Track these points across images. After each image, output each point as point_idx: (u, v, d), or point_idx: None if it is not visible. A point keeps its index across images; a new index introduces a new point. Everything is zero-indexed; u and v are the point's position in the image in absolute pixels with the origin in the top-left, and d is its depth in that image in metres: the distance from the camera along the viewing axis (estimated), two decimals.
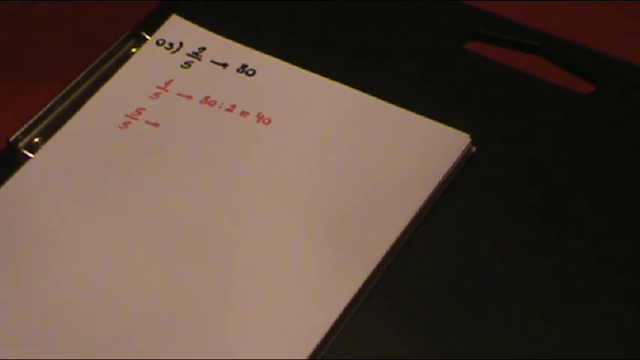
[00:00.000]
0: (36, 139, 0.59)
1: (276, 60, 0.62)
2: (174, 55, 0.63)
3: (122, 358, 0.49)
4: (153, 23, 0.65)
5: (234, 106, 0.60)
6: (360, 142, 0.58)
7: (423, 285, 0.53)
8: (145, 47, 0.64)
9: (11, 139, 0.59)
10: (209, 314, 0.51)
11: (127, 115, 0.59)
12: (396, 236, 0.53)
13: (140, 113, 0.60)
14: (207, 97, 0.60)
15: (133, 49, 0.64)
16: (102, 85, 0.62)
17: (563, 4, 0.67)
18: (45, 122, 0.60)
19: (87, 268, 0.53)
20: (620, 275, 0.53)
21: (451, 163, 0.56)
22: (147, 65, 0.63)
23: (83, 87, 0.62)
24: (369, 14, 0.66)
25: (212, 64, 0.62)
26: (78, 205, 0.56)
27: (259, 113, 0.59)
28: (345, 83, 0.60)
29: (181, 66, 0.62)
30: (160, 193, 0.56)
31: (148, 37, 0.64)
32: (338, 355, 0.50)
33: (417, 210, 0.54)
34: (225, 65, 0.62)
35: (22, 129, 0.59)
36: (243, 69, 0.62)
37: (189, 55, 0.63)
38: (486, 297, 0.52)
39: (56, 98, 0.61)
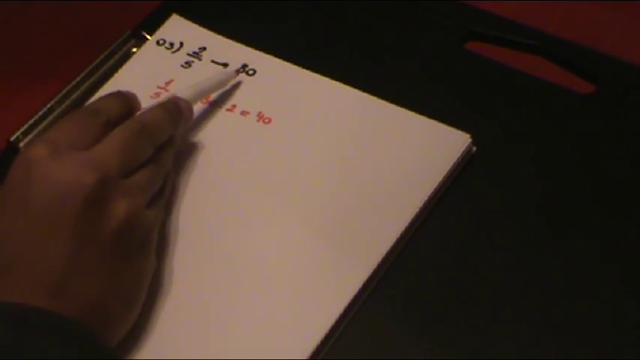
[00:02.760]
0: None
1: (276, 60, 0.62)
2: (174, 54, 0.63)
3: (122, 357, 0.49)
4: (153, 23, 0.65)
5: (234, 106, 0.60)
6: (361, 142, 0.58)
7: (423, 285, 0.53)
8: (145, 47, 0.64)
9: (12, 138, 0.59)
10: (209, 314, 0.51)
11: None
12: (396, 236, 0.53)
13: None
14: (207, 97, 0.60)
15: (134, 49, 0.64)
16: (102, 85, 0.62)
17: (563, 4, 0.67)
18: (45, 122, 0.60)
19: None
20: (621, 273, 0.53)
21: (452, 163, 0.56)
22: (147, 65, 0.63)
23: (83, 87, 0.62)
24: (370, 14, 0.66)
25: (212, 63, 0.62)
26: None
27: (260, 113, 0.59)
28: (345, 83, 0.60)
29: (182, 66, 0.62)
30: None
31: (148, 36, 0.64)
32: (338, 355, 0.50)
33: (418, 210, 0.54)
34: (225, 65, 0.62)
35: (23, 129, 0.59)
36: (243, 68, 0.62)
37: (189, 54, 0.63)
38: (487, 296, 0.52)
39: (56, 98, 0.61)
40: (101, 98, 0.54)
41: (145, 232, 0.50)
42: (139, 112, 0.54)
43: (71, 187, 0.47)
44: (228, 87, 0.60)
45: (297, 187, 0.56)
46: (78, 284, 0.46)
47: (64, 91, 0.62)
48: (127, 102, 0.54)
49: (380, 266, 0.52)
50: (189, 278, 0.52)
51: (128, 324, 0.49)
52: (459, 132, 0.57)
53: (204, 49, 0.63)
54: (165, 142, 0.53)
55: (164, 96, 0.60)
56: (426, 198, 0.54)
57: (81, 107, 0.52)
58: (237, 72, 0.61)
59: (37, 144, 0.49)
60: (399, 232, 0.53)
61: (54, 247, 0.46)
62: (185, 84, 0.61)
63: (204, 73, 0.62)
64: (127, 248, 0.48)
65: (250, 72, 0.62)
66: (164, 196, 0.53)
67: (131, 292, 0.49)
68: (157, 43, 0.64)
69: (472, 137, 0.57)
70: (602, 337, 0.50)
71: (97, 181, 0.47)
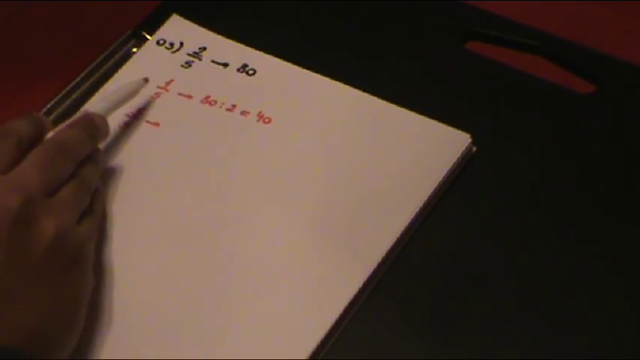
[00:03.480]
0: None
1: (276, 60, 0.62)
2: (174, 54, 0.63)
3: (122, 357, 0.49)
4: (153, 23, 0.65)
5: (234, 106, 0.60)
6: (361, 142, 0.58)
7: (423, 285, 0.53)
8: (145, 47, 0.64)
9: None
10: (209, 314, 0.51)
11: (127, 115, 0.60)
12: (396, 236, 0.53)
13: (141, 113, 0.60)
14: (207, 97, 0.60)
15: (134, 49, 0.64)
16: (102, 85, 0.62)
17: (563, 4, 0.67)
18: None
19: None
20: (620, 274, 0.53)
21: (452, 163, 0.56)
22: (147, 65, 0.63)
23: (83, 87, 0.62)
24: (370, 14, 0.66)
25: (212, 63, 0.62)
26: None
27: (260, 112, 0.59)
28: (345, 83, 0.60)
29: (182, 66, 0.62)
30: (160, 193, 0.56)
31: (148, 36, 0.64)
32: (338, 355, 0.50)
33: (418, 210, 0.54)
34: (225, 65, 0.62)
35: None
36: (243, 69, 0.62)
37: (189, 54, 0.63)
38: (487, 296, 0.52)
39: (56, 98, 0.61)
40: (9, 121, 0.52)
41: (76, 248, 0.49)
42: (52, 132, 0.53)
43: None
44: (138, 95, 0.59)
45: (297, 187, 0.56)
46: (13, 311, 0.45)
47: (64, 91, 0.62)
48: (36, 122, 0.53)
49: (380, 266, 0.52)
50: (189, 278, 0.52)
51: (70, 345, 0.48)
52: (459, 132, 0.57)
53: (204, 49, 0.63)
54: (86, 159, 0.53)
55: (164, 96, 0.60)
56: (426, 198, 0.54)
57: None
58: (146, 80, 0.60)
59: None
60: (399, 232, 0.53)
61: None
62: (185, 84, 0.61)
63: (204, 73, 0.62)
64: (59, 267, 0.47)
65: (250, 72, 0.62)
66: (96, 215, 0.52)
67: (69, 313, 0.48)
68: (157, 43, 0.64)
69: (472, 137, 0.57)
70: (602, 337, 0.50)
71: (21, 203, 0.47)
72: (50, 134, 0.53)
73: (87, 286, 0.49)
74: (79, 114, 0.55)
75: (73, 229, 0.49)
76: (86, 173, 0.52)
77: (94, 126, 0.54)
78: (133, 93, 0.59)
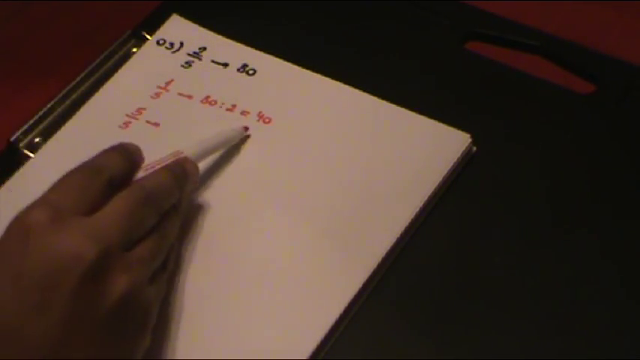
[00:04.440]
0: (36, 139, 0.59)
1: (276, 60, 0.62)
2: (174, 54, 0.63)
3: None
4: (153, 23, 0.65)
5: (234, 106, 0.60)
6: (361, 142, 0.58)
7: (423, 285, 0.53)
8: (145, 47, 0.64)
9: (12, 138, 0.59)
10: (210, 314, 0.51)
11: (127, 115, 0.60)
12: (396, 236, 0.53)
13: (141, 113, 0.60)
14: (207, 97, 0.60)
15: (134, 49, 0.64)
16: (102, 85, 0.62)
17: (563, 4, 0.67)
18: (45, 122, 0.60)
19: None
20: (621, 273, 0.53)
21: (452, 163, 0.56)
22: (147, 65, 0.63)
23: (83, 87, 0.62)
24: (370, 14, 0.66)
25: (212, 63, 0.62)
26: None
27: (260, 112, 0.59)
28: (345, 83, 0.60)
29: (182, 66, 0.62)
30: None
31: (148, 36, 0.64)
32: (338, 355, 0.50)
33: (418, 210, 0.54)
34: (225, 65, 0.62)
35: (23, 129, 0.59)
36: (243, 68, 0.62)
37: (189, 54, 0.63)
38: (487, 296, 0.52)
39: (56, 98, 0.61)
40: (103, 153, 0.50)
41: (143, 310, 0.46)
42: (142, 174, 0.51)
43: (69, 260, 0.44)
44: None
45: (297, 187, 0.56)
46: None
47: (64, 91, 0.62)
48: (129, 156, 0.50)
49: (380, 266, 0.52)
50: (189, 277, 0.52)
51: None
52: (459, 132, 0.57)
53: (204, 49, 0.63)
54: (170, 209, 0.50)
55: (164, 96, 0.60)
56: (426, 198, 0.54)
57: (81, 164, 0.49)
58: (245, 129, 0.58)
59: (36, 207, 0.46)
60: (399, 232, 0.53)
61: (44, 324, 0.43)
62: (185, 84, 0.61)
63: (204, 73, 0.62)
64: (122, 328, 0.45)
65: (250, 72, 0.62)
66: (167, 270, 0.50)
67: None
68: (157, 43, 0.64)
69: (472, 137, 0.57)
70: (602, 337, 0.50)
71: (97, 255, 0.44)
72: (141, 173, 0.51)
73: (144, 347, 0.47)
74: (171, 154, 0.53)
75: (143, 290, 0.46)
76: (168, 227, 0.50)
77: (184, 173, 0.52)
78: (231, 140, 0.57)
